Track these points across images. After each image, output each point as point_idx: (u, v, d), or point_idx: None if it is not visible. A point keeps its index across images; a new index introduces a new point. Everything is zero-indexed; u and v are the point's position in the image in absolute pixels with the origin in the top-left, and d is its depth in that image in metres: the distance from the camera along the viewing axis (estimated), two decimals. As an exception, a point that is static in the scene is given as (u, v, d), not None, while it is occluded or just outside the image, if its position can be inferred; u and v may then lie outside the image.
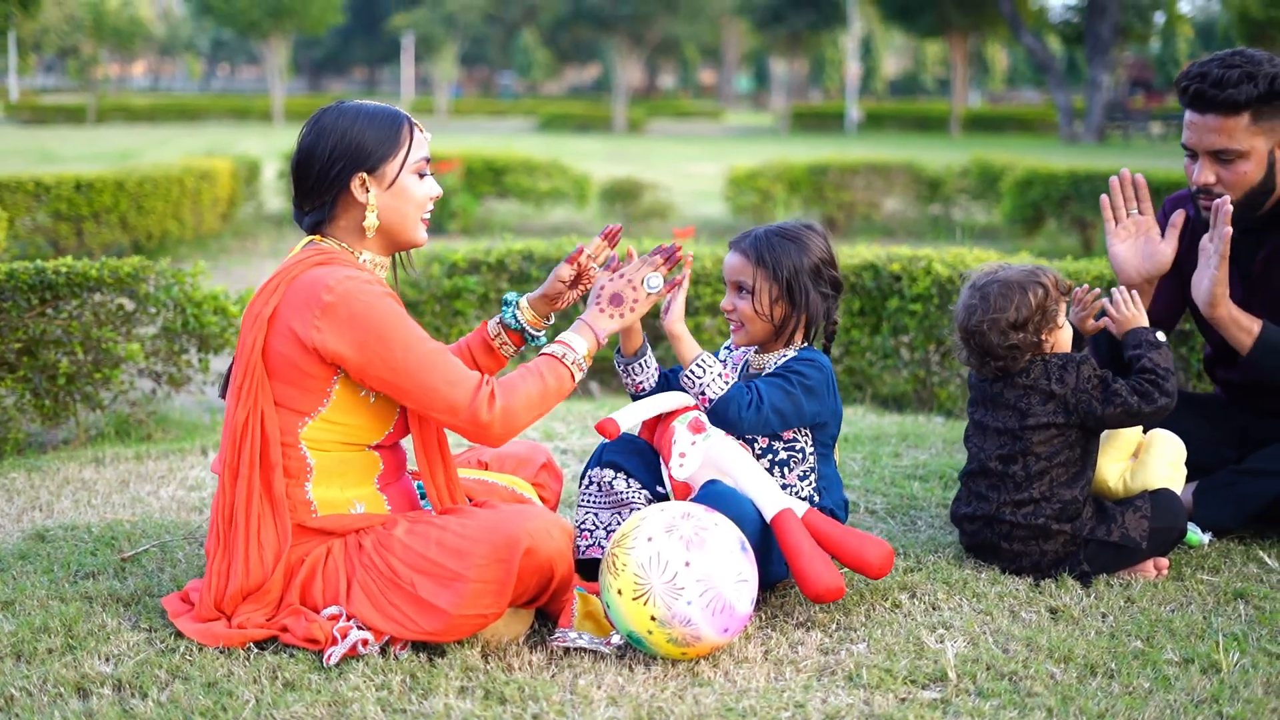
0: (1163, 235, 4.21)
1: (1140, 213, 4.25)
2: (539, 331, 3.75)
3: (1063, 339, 3.89)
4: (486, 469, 3.91)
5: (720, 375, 3.62)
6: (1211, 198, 4.15)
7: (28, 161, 23.73)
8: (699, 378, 3.62)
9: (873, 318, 6.42)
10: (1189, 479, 4.28)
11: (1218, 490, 4.21)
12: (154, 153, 25.22)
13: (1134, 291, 4.01)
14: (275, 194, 17.69)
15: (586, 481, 3.84)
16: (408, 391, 3.28)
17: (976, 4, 45.23)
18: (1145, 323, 3.95)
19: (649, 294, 3.54)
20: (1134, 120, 40.46)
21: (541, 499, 3.91)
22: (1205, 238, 4.10)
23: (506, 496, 3.75)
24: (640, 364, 3.81)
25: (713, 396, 3.62)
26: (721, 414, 3.62)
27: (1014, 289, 3.84)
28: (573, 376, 3.44)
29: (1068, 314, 3.98)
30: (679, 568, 3.20)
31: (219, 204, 14.40)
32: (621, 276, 3.54)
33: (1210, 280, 4.03)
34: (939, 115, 48.53)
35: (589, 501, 3.82)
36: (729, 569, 3.24)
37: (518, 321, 3.72)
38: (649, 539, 3.25)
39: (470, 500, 3.58)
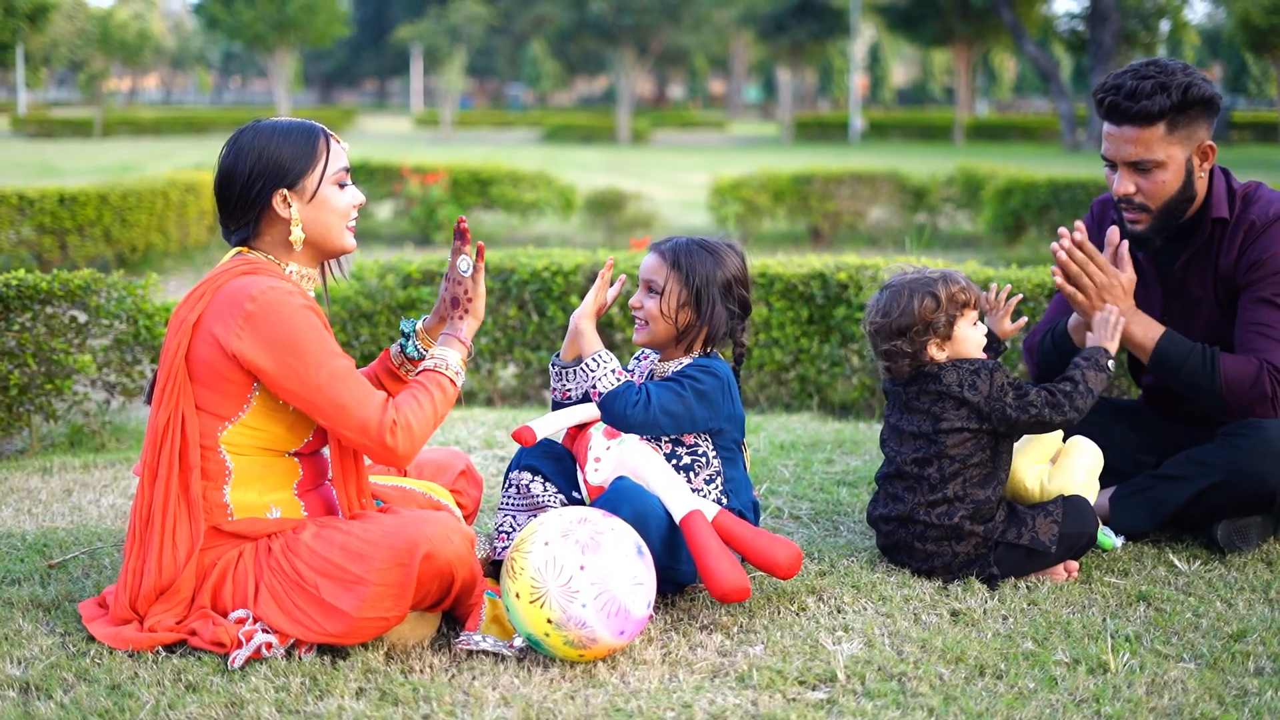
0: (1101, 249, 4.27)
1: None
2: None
3: (965, 347, 3.93)
4: (405, 475, 3.98)
5: (613, 372, 3.72)
6: (1133, 208, 4.22)
7: (27, 175, 23.88)
8: (592, 371, 3.73)
9: (821, 326, 6.49)
10: (1109, 484, 4.35)
11: (1133, 495, 4.27)
12: (155, 165, 25.36)
13: (1118, 316, 4.08)
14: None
15: (506, 484, 3.95)
16: (319, 407, 3.35)
17: (980, 13, 45.30)
18: (1114, 348, 4.04)
19: (465, 276, 3.64)
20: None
21: (460, 505, 3.97)
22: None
23: (424, 503, 3.81)
24: (574, 371, 3.90)
25: (603, 390, 3.70)
26: (609, 408, 3.72)
27: (903, 295, 3.90)
28: (453, 383, 3.55)
29: (983, 320, 4.04)
30: (574, 571, 3.27)
31: (205, 216, 14.49)
32: (449, 279, 3.66)
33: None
34: (944, 124, 48.60)
35: (508, 504, 3.93)
36: (624, 573, 3.31)
37: (418, 351, 3.79)
38: (545, 543, 3.31)
39: (387, 506, 3.65)
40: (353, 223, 3.59)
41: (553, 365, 3.99)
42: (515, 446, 5.58)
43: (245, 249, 3.52)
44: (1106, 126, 4.20)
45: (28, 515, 4.59)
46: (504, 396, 6.89)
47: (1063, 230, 4.18)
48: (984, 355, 3.99)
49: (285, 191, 3.44)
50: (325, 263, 3.67)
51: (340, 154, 3.56)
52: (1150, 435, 4.48)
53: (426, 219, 15.84)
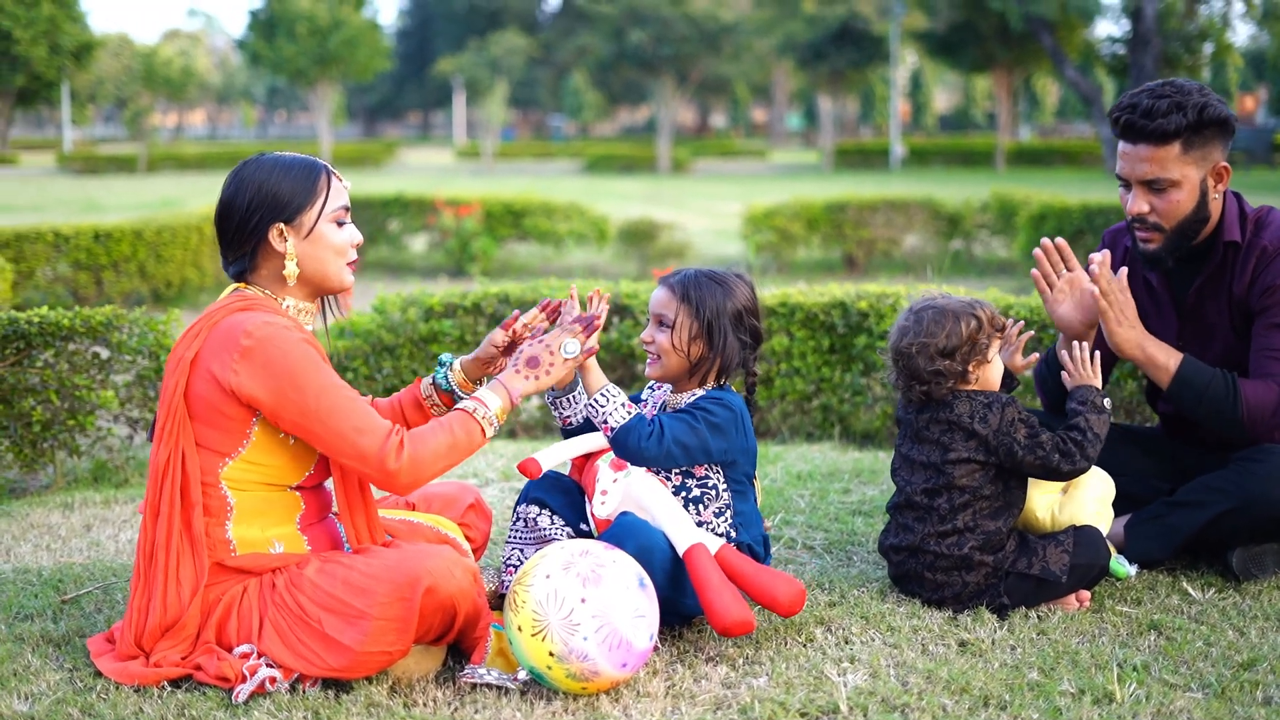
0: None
1: (1068, 269, 4.30)
2: (468, 395, 3.82)
3: (991, 376, 3.94)
4: (413, 509, 3.99)
5: (623, 405, 3.70)
6: (1146, 227, 4.20)
7: (70, 211, 24.11)
8: (602, 407, 3.70)
9: (843, 355, 6.47)
10: (1124, 511, 4.32)
11: (1148, 523, 4.24)
12: (197, 201, 25.56)
13: (1089, 348, 4.06)
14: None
15: (515, 518, 3.97)
16: (319, 436, 3.37)
17: (1020, 38, 45.13)
18: (1098, 383, 4.01)
19: (565, 359, 3.62)
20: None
21: (468, 539, 3.98)
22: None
23: (431, 537, 3.83)
24: (569, 399, 3.91)
25: (614, 425, 3.69)
26: (622, 443, 3.70)
27: (948, 316, 3.89)
28: (483, 432, 3.51)
29: (1000, 351, 4.04)
30: (575, 604, 3.27)
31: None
32: (541, 341, 3.63)
33: (1106, 327, 4.11)
34: (985, 150, 48.46)
35: (516, 538, 3.95)
36: (626, 605, 3.31)
37: (449, 383, 3.81)
38: (547, 576, 3.32)
39: (393, 540, 3.66)
40: (352, 261, 3.60)
41: (547, 397, 3.99)
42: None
43: (243, 285, 3.54)
44: (1122, 145, 4.19)
45: (45, 551, 4.63)
46: (526, 428, 6.90)
47: (1045, 240, 4.27)
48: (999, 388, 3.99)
49: (282, 225, 3.46)
50: (324, 299, 3.68)
51: (341, 192, 3.57)
52: (1167, 462, 4.45)
53: (460, 251, 15.90)
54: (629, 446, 3.69)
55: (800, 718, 3.21)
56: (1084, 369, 4.02)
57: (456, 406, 3.54)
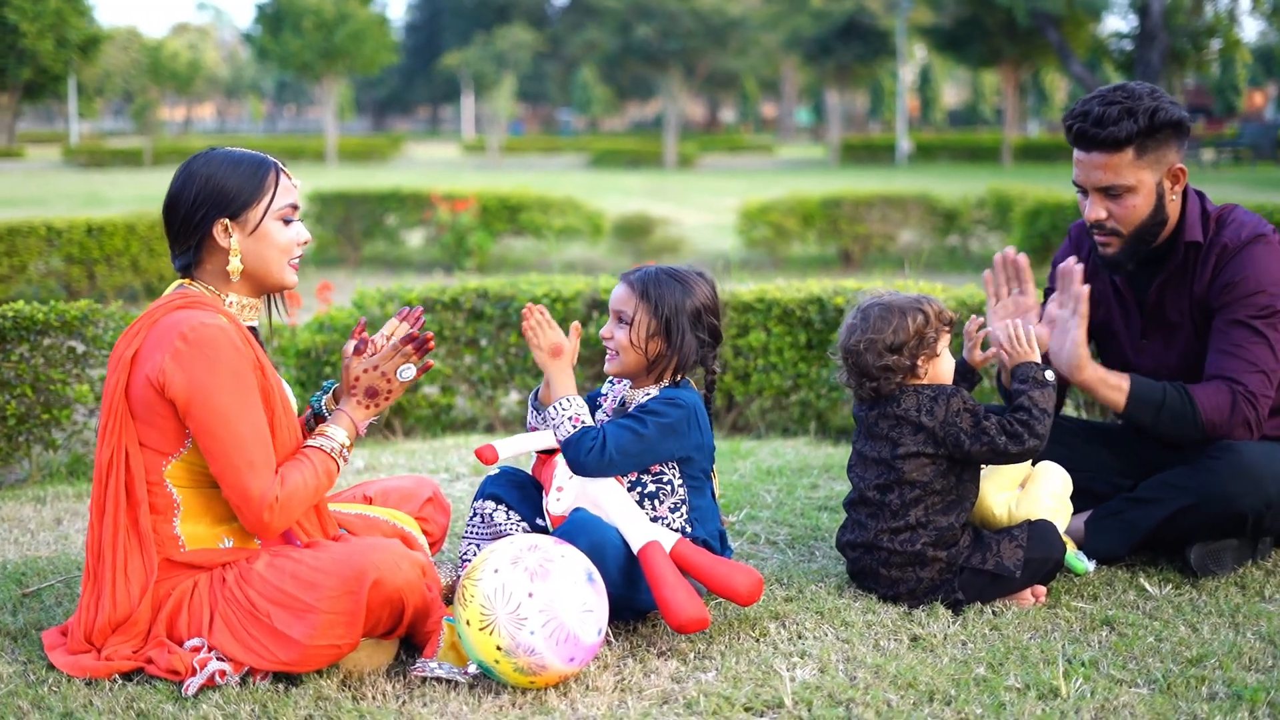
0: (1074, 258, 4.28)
1: (1021, 293, 4.30)
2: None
3: (941, 371, 3.94)
4: (370, 503, 4.00)
5: (571, 419, 3.72)
6: (1104, 232, 4.21)
7: (73, 205, 24.15)
8: (553, 418, 3.74)
9: (820, 351, 6.49)
10: (1086, 507, 4.33)
11: (1107, 519, 4.25)
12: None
13: (1029, 326, 4.05)
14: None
15: (472, 514, 4.00)
16: (213, 456, 3.36)
17: (1026, 34, 45.11)
18: (1037, 358, 3.99)
19: (403, 383, 3.64)
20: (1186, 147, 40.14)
21: (425, 533, 3.99)
22: (1054, 304, 4.17)
23: (388, 531, 3.84)
24: (543, 415, 3.94)
25: (560, 438, 3.72)
26: (569, 456, 3.74)
27: (894, 313, 3.90)
28: (338, 466, 3.55)
29: (952, 347, 4.04)
30: (522, 599, 3.28)
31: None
32: (376, 368, 3.62)
33: (1072, 343, 4.09)
34: (992, 145, 48.43)
35: (472, 533, 3.98)
36: (573, 600, 3.32)
37: (326, 413, 3.80)
38: (495, 571, 3.33)
39: (339, 536, 3.68)
40: (295, 260, 3.60)
41: (531, 403, 4.01)
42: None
43: (188, 280, 3.54)
44: (1076, 153, 4.20)
45: (13, 544, 4.64)
46: (505, 423, 6.92)
47: (1008, 250, 4.29)
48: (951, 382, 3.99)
49: (227, 221, 3.46)
50: (270, 296, 3.69)
51: (290, 190, 3.57)
52: (1129, 458, 4.45)
53: (456, 246, 15.93)
54: (573, 458, 3.73)
55: (745, 712, 3.22)
56: (1022, 346, 3.99)
57: (307, 444, 3.54)
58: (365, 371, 3.63)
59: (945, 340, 3.95)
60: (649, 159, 47.49)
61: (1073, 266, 4.11)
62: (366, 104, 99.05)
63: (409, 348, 3.63)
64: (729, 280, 8.43)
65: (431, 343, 3.67)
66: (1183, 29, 43.18)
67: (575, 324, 3.91)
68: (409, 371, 3.63)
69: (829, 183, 27.88)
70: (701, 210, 24.13)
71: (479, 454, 3.79)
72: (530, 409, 4.01)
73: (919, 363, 3.90)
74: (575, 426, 3.72)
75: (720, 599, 3.90)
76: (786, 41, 53.46)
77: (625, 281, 3.89)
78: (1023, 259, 4.33)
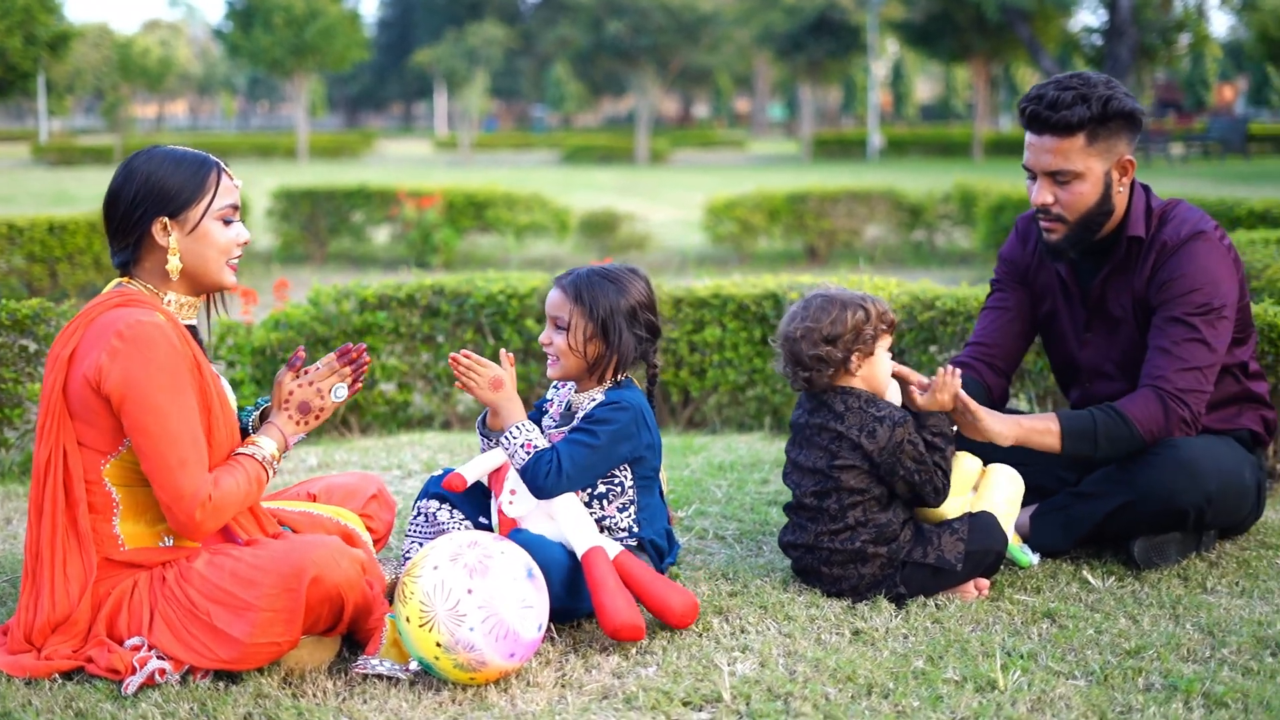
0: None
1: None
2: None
3: (876, 374, 3.94)
4: (314, 501, 4.00)
5: (523, 447, 3.75)
6: (1050, 218, 4.22)
7: (41, 203, 24.06)
8: (506, 447, 3.78)
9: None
10: (1032, 502, 4.36)
11: (1051, 513, 4.27)
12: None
13: (954, 373, 4.00)
14: (265, 231, 17.86)
15: (415, 512, 4.01)
16: (145, 456, 3.35)
17: (997, 29, 45.21)
18: (949, 408, 3.98)
19: (335, 402, 3.67)
20: (1154, 141, 40.32)
21: (370, 530, 3.99)
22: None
23: (331, 528, 3.84)
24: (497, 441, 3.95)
25: (517, 466, 3.75)
26: (528, 484, 3.76)
27: (835, 304, 3.91)
28: (267, 475, 3.56)
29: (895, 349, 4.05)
30: (461, 595, 3.29)
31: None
32: (310, 384, 3.65)
33: (983, 429, 4.05)
34: (964, 140, 48.53)
35: (415, 532, 3.98)
36: (513, 596, 3.33)
37: (250, 428, 3.79)
38: (435, 567, 3.34)
39: (281, 532, 3.68)
40: (235, 260, 3.59)
41: (480, 429, 4.01)
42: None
43: (126, 279, 3.54)
44: (1028, 136, 4.22)
45: (-40, 543, 4.63)
46: (462, 419, 6.92)
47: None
48: (893, 391, 3.99)
49: (166, 219, 3.45)
50: (210, 295, 3.69)
51: (230, 190, 3.56)
52: (1078, 453, 4.47)
53: (423, 242, 15.92)
54: (531, 484, 3.75)
55: (684, 707, 3.23)
56: (943, 395, 3.96)
57: (238, 452, 3.54)
58: (300, 387, 3.65)
59: (884, 342, 3.95)
60: (621, 155, 47.50)
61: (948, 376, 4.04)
62: (340, 100, 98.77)
63: (346, 369, 3.67)
64: (686, 276, 8.44)
65: (366, 364, 3.70)
66: (1152, 24, 43.35)
67: (506, 353, 3.91)
68: (342, 391, 3.67)
69: (800, 178, 27.92)
70: (671, 206, 24.15)
71: (447, 484, 3.82)
72: (480, 436, 4.01)
73: (853, 359, 3.90)
74: (528, 454, 3.74)
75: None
76: (758, 37, 53.50)
77: (558, 286, 3.90)
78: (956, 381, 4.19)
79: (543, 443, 3.77)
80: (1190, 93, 63.39)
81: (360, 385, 3.73)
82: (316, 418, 3.66)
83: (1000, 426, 4.04)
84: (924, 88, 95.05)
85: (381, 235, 17.78)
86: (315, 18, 47.20)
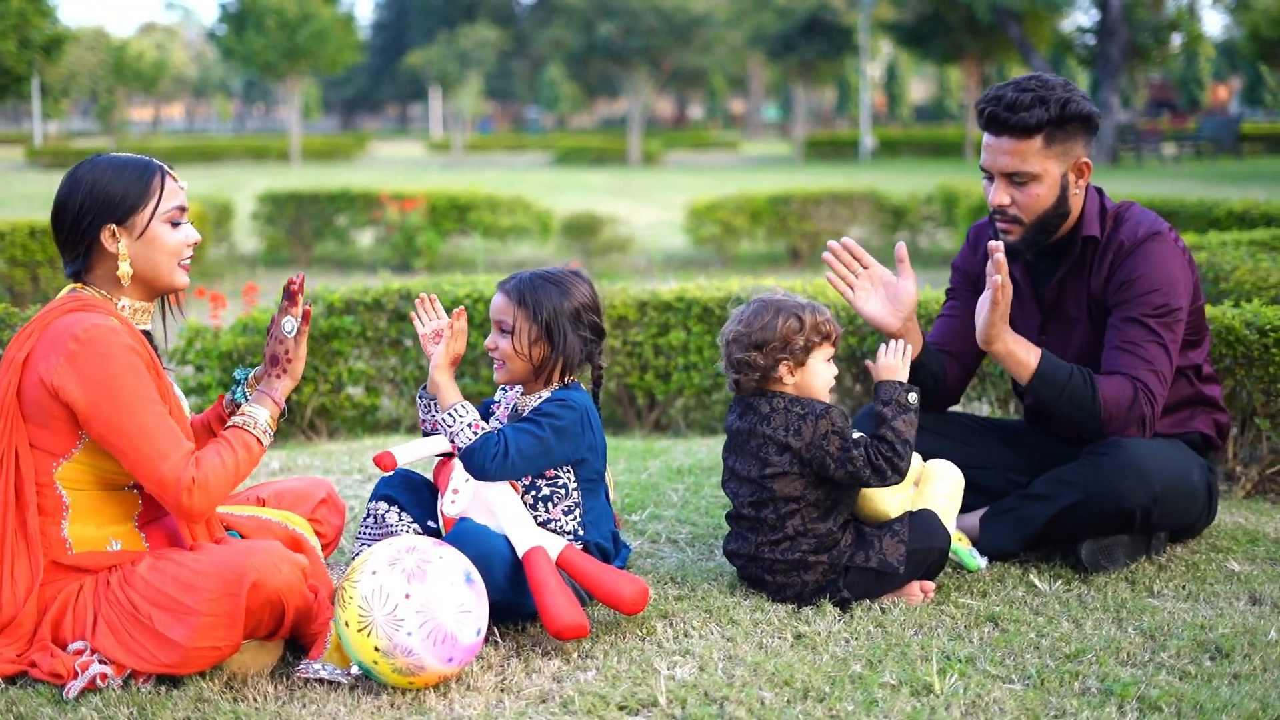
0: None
1: (864, 266, 4.32)
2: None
3: (813, 384, 3.94)
4: (264, 505, 4.02)
5: (469, 425, 3.74)
6: (1006, 219, 4.25)
7: (33, 207, 24.04)
8: (449, 426, 3.76)
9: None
10: (982, 504, 4.37)
11: (1001, 515, 4.29)
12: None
13: (903, 343, 4.06)
14: (250, 235, 17.88)
15: (365, 514, 4.02)
16: (123, 453, 3.39)
17: (988, 29, 45.24)
18: (904, 376, 4.00)
19: (288, 337, 3.67)
20: (1146, 141, 40.36)
21: (319, 534, 4.01)
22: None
23: (279, 533, 3.86)
24: (433, 407, 3.95)
25: (461, 445, 3.74)
26: (469, 463, 3.75)
27: (770, 310, 3.92)
28: (260, 443, 3.58)
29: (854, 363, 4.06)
30: (399, 600, 3.31)
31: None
32: (271, 336, 3.68)
33: (984, 317, 4.11)
34: (957, 141, 48.54)
35: (365, 534, 4.00)
36: (450, 601, 3.34)
37: (245, 397, 3.82)
38: (373, 572, 3.35)
39: (223, 539, 3.70)
40: (186, 261, 3.62)
41: (420, 398, 4.04)
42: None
43: (79, 285, 3.56)
44: (986, 137, 4.24)
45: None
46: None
47: (831, 243, 4.26)
48: (828, 398, 4.00)
49: (114, 226, 3.49)
50: (164, 298, 3.71)
51: (176, 192, 3.59)
52: (1028, 455, 4.49)
53: (406, 245, 15.95)
54: (475, 465, 3.75)
55: (619, 711, 3.25)
56: (894, 359, 3.99)
57: (228, 424, 3.58)
58: (268, 343, 3.69)
59: (821, 353, 3.95)
60: (614, 156, 47.50)
61: (997, 251, 4.09)
62: (335, 103, 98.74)
63: (284, 303, 3.67)
64: (668, 280, 8.45)
65: (294, 283, 3.68)
66: (1144, 23, 43.36)
67: (459, 310, 3.91)
68: (290, 323, 3.66)
69: (790, 179, 27.91)
70: (658, 207, 24.16)
71: (377, 461, 3.81)
72: (421, 404, 4.02)
73: (781, 367, 3.91)
74: (476, 433, 3.74)
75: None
76: (750, 38, 53.53)
77: (502, 291, 3.92)
78: (848, 241, 4.33)
79: (487, 426, 3.78)
80: (1184, 92, 63.45)
81: (308, 310, 3.71)
82: (289, 362, 3.67)
83: (1004, 330, 4.10)
84: (919, 88, 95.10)
85: (365, 238, 17.81)
86: (308, 21, 47.21)
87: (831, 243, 4.31)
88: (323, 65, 48.72)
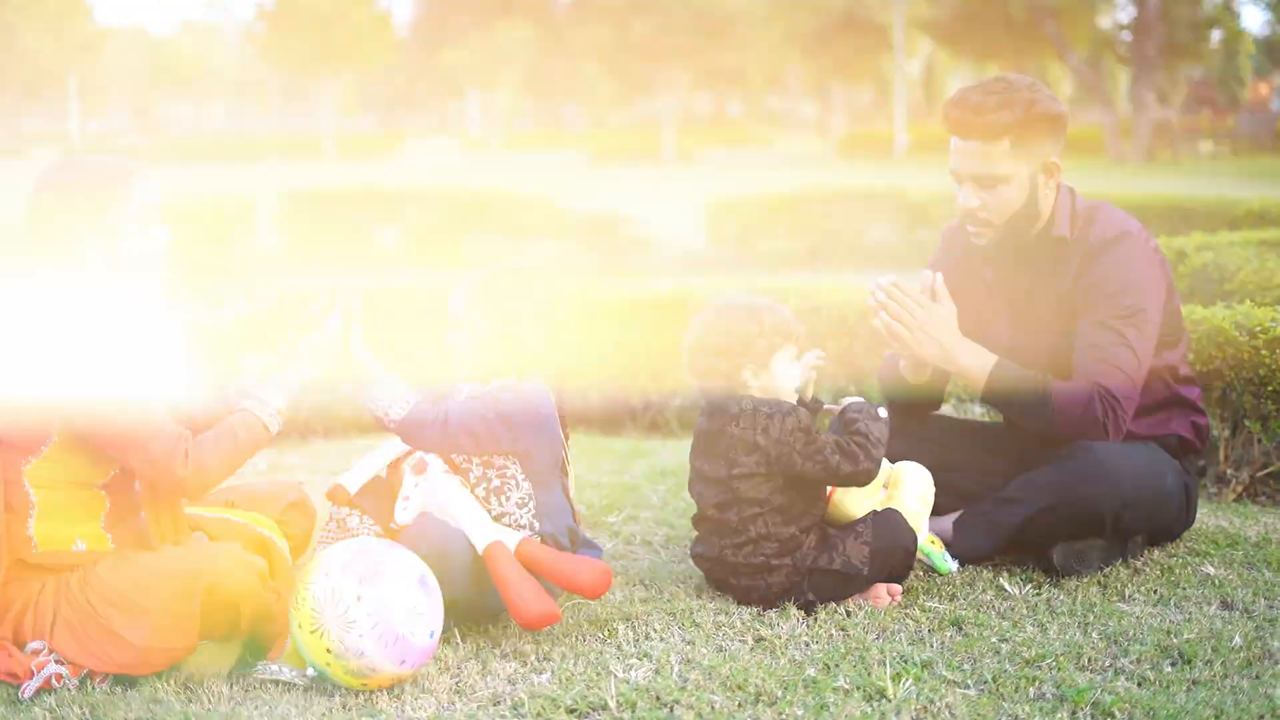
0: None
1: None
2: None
3: (778, 386, 3.93)
4: (233, 507, 4.03)
5: (401, 397, 3.74)
6: (977, 222, 4.22)
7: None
8: (380, 401, 3.74)
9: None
10: (956, 508, 4.34)
11: (974, 518, 4.26)
12: (187, 192, 25.56)
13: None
14: (272, 233, 17.93)
15: (327, 518, 4.01)
16: (110, 439, 3.42)
17: (1025, 27, 45.02)
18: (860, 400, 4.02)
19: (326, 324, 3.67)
20: (1184, 140, 40.10)
21: (287, 536, 4.00)
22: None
23: (248, 535, 3.87)
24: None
25: (396, 418, 3.73)
26: (406, 433, 3.75)
27: (728, 315, 3.91)
28: (267, 428, 3.58)
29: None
30: (351, 602, 3.31)
31: (181, 245, 14.65)
32: (298, 326, 3.69)
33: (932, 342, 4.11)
34: (993, 138, 48.22)
35: (326, 536, 3.98)
36: (403, 602, 3.35)
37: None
38: (326, 574, 3.36)
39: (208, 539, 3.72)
40: (161, 259, 3.64)
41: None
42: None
43: None
44: (953, 141, 4.21)
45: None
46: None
47: (876, 282, 4.16)
48: (794, 398, 3.99)
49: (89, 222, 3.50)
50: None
51: (149, 191, 3.60)
52: (1005, 458, 4.45)
53: (426, 244, 15.96)
54: (413, 435, 3.75)
55: (568, 714, 3.24)
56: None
57: (239, 407, 3.59)
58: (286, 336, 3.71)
59: (784, 354, 3.92)
60: (649, 153, 47.47)
61: (932, 281, 4.09)
62: (374, 100, 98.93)
63: (329, 306, 3.69)
64: (676, 278, 8.42)
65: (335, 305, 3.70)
66: (1182, 20, 43.11)
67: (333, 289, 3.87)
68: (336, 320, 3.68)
69: (822, 176, 27.80)
70: (685, 205, 24.08)
71: (329, 496, 3.84)
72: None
73: (744, 371, 3.90)
74: (409, 403, 3.73)
75: (575, 597, 3.91)
76: (785, 35, 53.40)
77: (459, 288, 3.92)
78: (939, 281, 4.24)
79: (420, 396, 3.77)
80: (1225, 89, 62.98)
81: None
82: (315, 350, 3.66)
83: (933, 349, 4.12)
84: (957, 85, 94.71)
85: (387, 236, 17.83)
86: (344, 19, 47.39)
87: (880, 288, 4.14)
88: (359, 63, 48.89)
